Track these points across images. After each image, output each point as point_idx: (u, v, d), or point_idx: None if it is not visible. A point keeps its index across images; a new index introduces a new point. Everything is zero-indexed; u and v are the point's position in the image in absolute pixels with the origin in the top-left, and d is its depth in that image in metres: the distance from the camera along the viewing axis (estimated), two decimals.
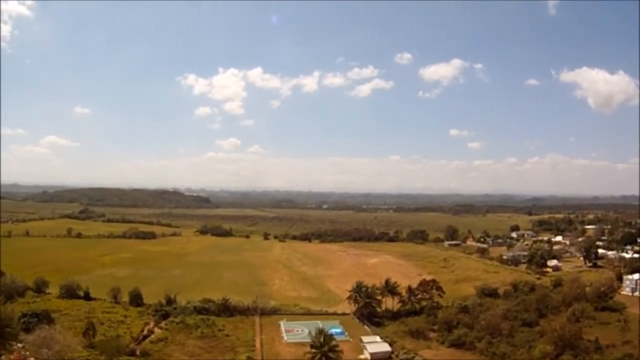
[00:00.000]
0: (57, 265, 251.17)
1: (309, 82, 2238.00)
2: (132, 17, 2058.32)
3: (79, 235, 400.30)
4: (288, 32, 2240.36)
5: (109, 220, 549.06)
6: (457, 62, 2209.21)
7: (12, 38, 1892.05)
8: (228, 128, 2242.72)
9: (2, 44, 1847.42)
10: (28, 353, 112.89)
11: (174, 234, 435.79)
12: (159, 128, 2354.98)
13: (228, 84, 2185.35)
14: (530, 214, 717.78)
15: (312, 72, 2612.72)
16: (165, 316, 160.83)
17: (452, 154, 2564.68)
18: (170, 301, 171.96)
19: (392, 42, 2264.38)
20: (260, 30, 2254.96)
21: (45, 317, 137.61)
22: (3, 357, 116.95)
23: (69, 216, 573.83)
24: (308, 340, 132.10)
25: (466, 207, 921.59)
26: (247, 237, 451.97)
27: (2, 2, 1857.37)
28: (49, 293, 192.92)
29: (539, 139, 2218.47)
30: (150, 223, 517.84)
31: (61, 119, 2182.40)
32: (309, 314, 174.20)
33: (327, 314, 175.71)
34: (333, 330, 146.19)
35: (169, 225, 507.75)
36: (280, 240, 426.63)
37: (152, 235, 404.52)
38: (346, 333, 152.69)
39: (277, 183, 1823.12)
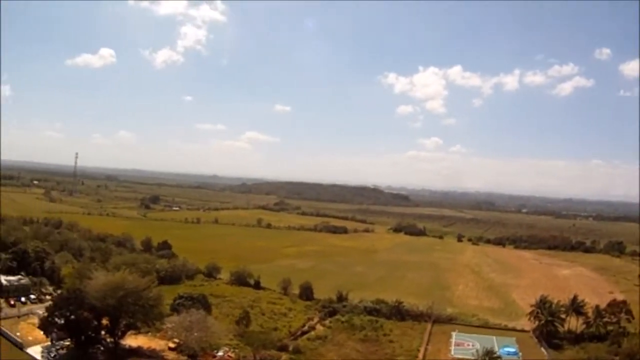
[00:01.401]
0: (237, 253, 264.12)
1: (510, 81, 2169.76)
2: (330, 17, 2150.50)
3: (268, 226, 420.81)
4: (486, 30, 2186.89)
5: (303, 213, 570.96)
6: None
7: (207, 41, 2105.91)
8: (430, 127, 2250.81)
9: (198, 47, 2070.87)
10: (176, 334, 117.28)
11: (367, 230, 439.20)
12: (359, 126, 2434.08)
13: (428, 83, 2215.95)
14: None
15: (512, 70, 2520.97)
16: (332, 313, 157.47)
17: None
18: (341, 298, 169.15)
19: (589, 37, 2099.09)
20: (458, 28, 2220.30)
21: (200, 301, 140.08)
22: (149, 334, 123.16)
23: (263, 207, 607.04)
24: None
25: None
26: (441, 237, 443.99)
27: (194, 8, 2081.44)
28: (219, 278, 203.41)
29: None
30: (345, 218, 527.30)
31: (261, 116, 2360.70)
32: (485, 326, 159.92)
33: (504, 328, 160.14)
34: (506, 350, 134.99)
35: (363, 221, 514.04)
36: (473, 243, 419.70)
37: (343, 230, 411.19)
38: (520, 354, 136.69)
39: (477, 184, 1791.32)
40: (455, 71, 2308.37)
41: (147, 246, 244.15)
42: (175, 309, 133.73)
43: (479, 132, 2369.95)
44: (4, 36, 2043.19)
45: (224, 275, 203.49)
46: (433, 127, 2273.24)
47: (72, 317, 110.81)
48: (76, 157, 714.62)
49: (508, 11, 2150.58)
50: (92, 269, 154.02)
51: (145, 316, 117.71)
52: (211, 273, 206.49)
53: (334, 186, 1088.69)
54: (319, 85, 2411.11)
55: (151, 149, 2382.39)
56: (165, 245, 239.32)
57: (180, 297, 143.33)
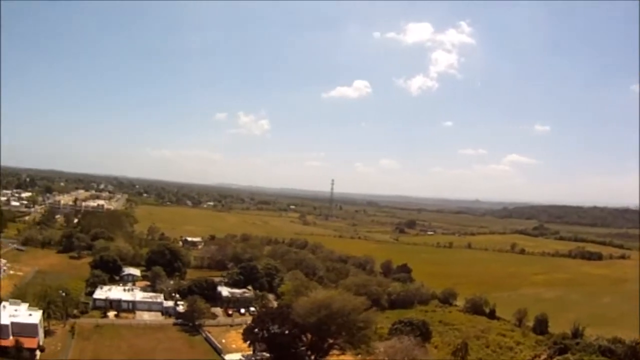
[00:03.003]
0: (482, 279, 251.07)
1: None
2: (574, 29, 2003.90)
3: (522, 251, 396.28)
4: None
5: (561, 238, 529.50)
6: None
7: (459, 65, 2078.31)
8: None
9: (452, 71, 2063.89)
10: (386, 359, 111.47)
11: (622, 257, 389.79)
12: (614, 141, 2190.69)
13: None
14: None
15: None
16: (563, 351, 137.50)
17: None
18: (576, 334, 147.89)
19: None
20: None
21: (419, 328, 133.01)
22: (359, 356, 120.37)
23: (521, 232, 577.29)
24: None
25: None
26: None
27: (441, 33, 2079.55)
28: (454, 305, 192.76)
29: None
30: (602, 243, 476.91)
31: (521, 138, 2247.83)
32: None
33: None
34: None
35: (620, 247, 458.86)
36: None
37: (597, 257, 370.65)
38: None
39: None
40: None
41: (386, 269, 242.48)
42: (392, 333, 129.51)
43: None
44: (262, 76, 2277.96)
45: (460, 302, 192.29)
46: None
47: (275, 330, 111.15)
48: (332, 184, 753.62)
49: None
50: (310, 287, 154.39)
51: (351, 337, 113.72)
52: (447, 299, 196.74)
53: (594, 209, 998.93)
54: (576, 100, 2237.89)
55: (413, 175, 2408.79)
56: (403, 269, 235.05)
57: (400, 321, 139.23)
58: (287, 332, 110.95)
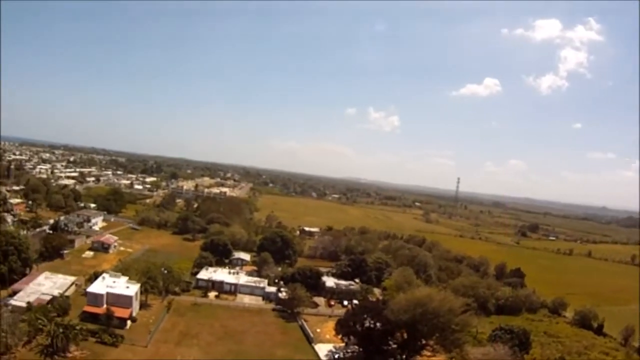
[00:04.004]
0: (595, 290, 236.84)
1: None
2: None
3: None
4: None
5: None
6: None
7: (589, 63, 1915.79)
8: None
9: (581, 69, 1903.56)
10: None
11: None
12: None
13: None
14: None
15: None
16: None
17: None
18: None
19: None
20: None
21: (519, 337, 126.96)
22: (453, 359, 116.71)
23: None
24: None
25: None
26: None
27: (570, 30, 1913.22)
28: (563, 316, 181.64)
29: None
30: None
31: None
32: None
33: None
34: None
35: None
36: None
37: None
38: None
39: None
40: None
41: (500, 272, 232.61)
42: (491, 340, 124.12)
43: None
44: (393, 73, 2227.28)
45: (570, 314, 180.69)
46: None
47: (367, 325, 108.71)
48: (458, 183, 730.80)
49: None
50: (413, 284, 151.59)
51: (444, 339, 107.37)
52: (556, 309, 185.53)
53: None
54: None
55: (541, 177, 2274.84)
56: (516, 273, 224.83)
57: (501, 328, 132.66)
58: (378, 327, 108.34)
